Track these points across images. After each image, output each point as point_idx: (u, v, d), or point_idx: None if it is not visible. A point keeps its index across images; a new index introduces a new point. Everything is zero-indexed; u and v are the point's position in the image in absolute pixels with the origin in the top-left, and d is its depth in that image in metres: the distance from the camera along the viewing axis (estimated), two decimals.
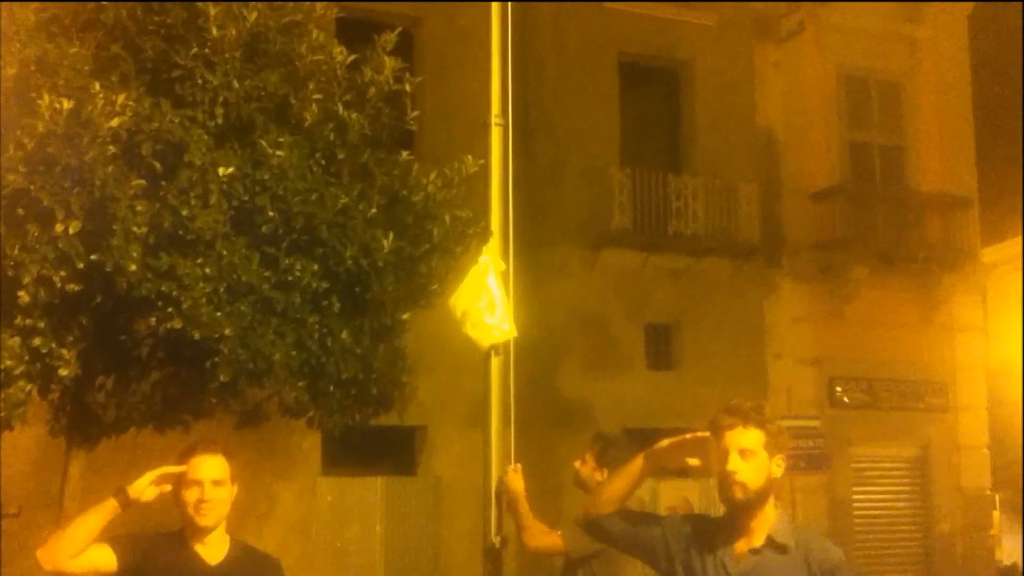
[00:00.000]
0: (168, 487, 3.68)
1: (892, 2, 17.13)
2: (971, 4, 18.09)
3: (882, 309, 16.40)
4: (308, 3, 7.76)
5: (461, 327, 5.16)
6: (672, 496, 13.36)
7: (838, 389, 16.43)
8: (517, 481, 5.03)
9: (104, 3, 7.32)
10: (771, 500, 3.45)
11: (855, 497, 16.33)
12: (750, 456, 3.38)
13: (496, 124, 5.58)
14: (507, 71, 5.63)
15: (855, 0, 16.62)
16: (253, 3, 7.40)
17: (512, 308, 5.19)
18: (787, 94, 16.74)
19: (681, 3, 15.86)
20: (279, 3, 7.64)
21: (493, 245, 5.35)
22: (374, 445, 12.55)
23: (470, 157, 7.72)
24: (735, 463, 3.37)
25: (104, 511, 3.58)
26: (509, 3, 5.71)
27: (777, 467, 3.44)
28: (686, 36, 16.02)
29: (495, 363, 5.21)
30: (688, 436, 3.46)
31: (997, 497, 17.87)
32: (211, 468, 3.69)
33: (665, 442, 3.52)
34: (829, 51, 16.95)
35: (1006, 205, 18.42)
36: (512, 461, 5.12)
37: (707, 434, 3.42)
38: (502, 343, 5.16)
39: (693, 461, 3.46)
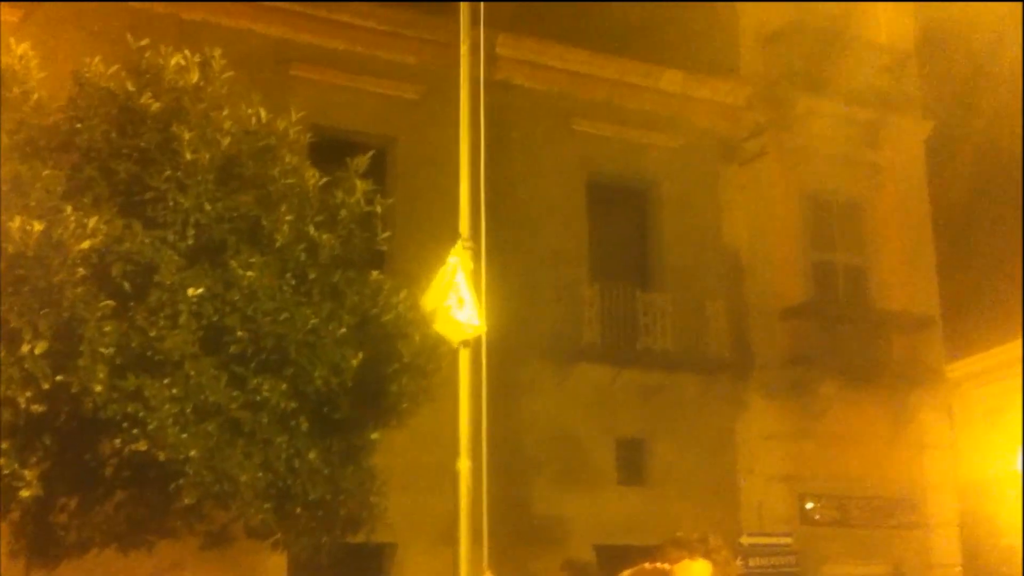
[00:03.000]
0: None
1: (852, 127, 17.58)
2: (928, 128, 18.62)
3: (851, 426, 16.43)
4: (281, 128, 7.91)
5: (432, 325, 5.20)
6: None
7: (809, 506, 16.35)
8: None
9: (79, 126, 7.44)
10: None
11: None
12: None
13: (466, 247, 5.68)
14: (479, 194, 5.75)
15: None
16: (227, 128, 7.55)
17: (483, 305, 5.24)
18: (752, 214, 17.00)
19: (647, 126, 16.26)
20: (252, 128, 7.79)
21: (461, 249, 5.43)
22: (342, 563, 12.31)
23: None
24: None
25: None
26: (482, 127, 5.87)
27: None
28: (653, 158, 16.35)
29: (464, 481, 5.18)
30: (647, 566, 3.51)
31: None
32: None
33: (626, 573, 3.57)
34: (791, 174, 17.29)
35: (968, 322, 18.67)
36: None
37: (668, 566, 3.47)
38: (470, 464, 5.17)
39: None
